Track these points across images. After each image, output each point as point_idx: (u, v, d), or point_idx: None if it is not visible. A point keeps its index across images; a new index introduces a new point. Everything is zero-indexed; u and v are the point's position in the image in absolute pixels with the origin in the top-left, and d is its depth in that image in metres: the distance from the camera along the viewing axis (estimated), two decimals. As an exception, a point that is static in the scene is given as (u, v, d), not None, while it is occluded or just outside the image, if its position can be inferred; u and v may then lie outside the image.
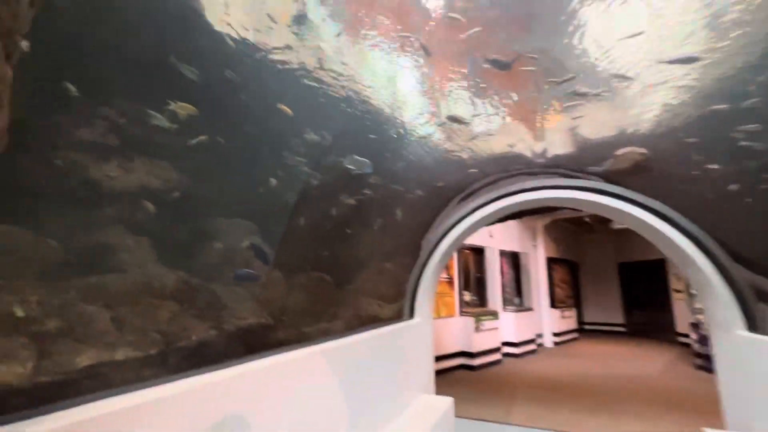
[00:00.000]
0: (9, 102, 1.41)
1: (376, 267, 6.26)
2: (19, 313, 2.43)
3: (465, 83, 5.65)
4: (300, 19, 5.11)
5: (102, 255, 3.20)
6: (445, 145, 5.80)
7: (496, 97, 6.03)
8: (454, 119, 5.04)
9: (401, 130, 5.44)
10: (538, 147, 6.54)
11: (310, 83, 5.13)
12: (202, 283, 3.68)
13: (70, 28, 3.15)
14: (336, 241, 5.23)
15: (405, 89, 5.59)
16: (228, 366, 3.23)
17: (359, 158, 4.38)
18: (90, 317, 2.77)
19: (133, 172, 3.41)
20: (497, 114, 6.02)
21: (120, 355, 2.72)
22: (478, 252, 14.87)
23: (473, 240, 13.89)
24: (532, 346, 15.04)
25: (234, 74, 3.94)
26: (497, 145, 6.02)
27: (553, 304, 16.92)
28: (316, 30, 5.32)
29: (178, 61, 3.34)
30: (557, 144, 6.38)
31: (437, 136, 5.70)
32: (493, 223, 11.85)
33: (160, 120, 3.24)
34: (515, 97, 5.97)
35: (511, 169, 6.33)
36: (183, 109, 3.25)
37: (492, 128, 6.02)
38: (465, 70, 5.52)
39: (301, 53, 5.30)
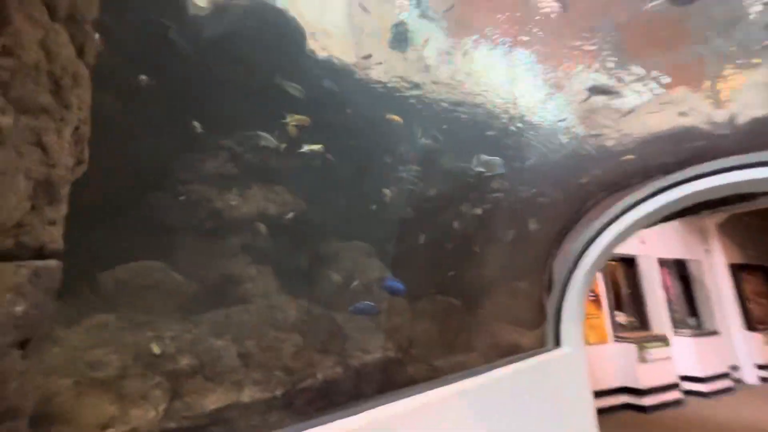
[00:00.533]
0: (88, 105, 1.20)
1: (509, 287, 5.31)
2: (156, 350, 2.39)
3: (601, 51, 4.51)
4: (400, 29, 4.82)
5: (229, 286, 3.17)
6: (585, 130, 4.68)
7: (646, 61, 4.70)
8: (599, 90, 3.96)
9: (525, 121, 4.57)
10: (721, 114, 4.84)
11: (415, 87, 4.71)
12: (324, 312, 3.40)
13: (192, 69, 3.33)
14: (461, 259, 4.53)
15: (523, 73, 4.74)
16: (356, 411, 2.77)
17: (488, 157, 3.66)
18: (219, 353, 2.65)
19: (252, 199, 3.38)
20: (653, 81, 4.66)
21: (246, 396, 2.51)
22: (628, 262, 12.22)
23: (619, 248, 11.45)
24: (726, 383, 11.40)
25: (337, 88, 3.75)
26: (660, 121, 4.62)
27: (750, 325, 12.74)
28: (418, 34, 4.95)
29: (283, 80, 3.25)
30: (755, 104, 4.62)
31: (573, 121, 4.63)
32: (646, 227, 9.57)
33: (268, 140, 3.14)
34: (679, 54, 4.55)
35: (684, 147, 4.78)
36: (297, 120, 3.11)
37: (647, 100, 4.66)
38: (599, 34, 4.41)
39: (402, 62, 4.97)
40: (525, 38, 4.58)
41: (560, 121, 4.49)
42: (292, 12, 3.94)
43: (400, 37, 4.94)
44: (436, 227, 4.09)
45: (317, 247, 3.79)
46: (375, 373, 3.28)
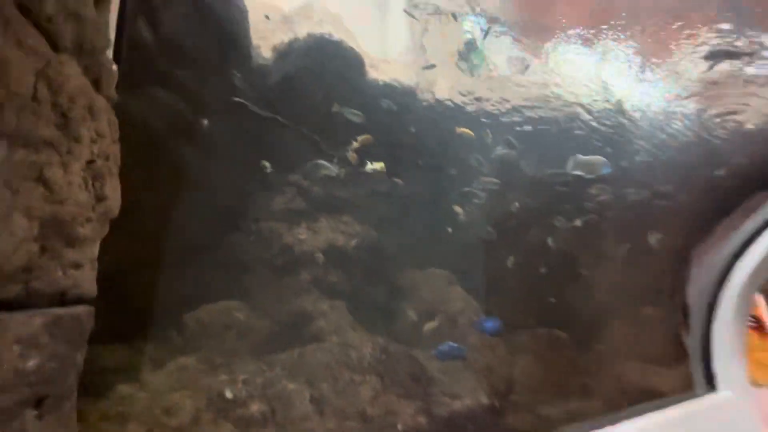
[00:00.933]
0: (110, 139, 1.15)
1: (631, 314, 4.33)
2: (228, 394, 2.32)
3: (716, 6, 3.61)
4: (468, 47, 4.61)
5: (302, 323, 3.05)
6: (711, 109, 3.71)
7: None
8: (722, 55, 3.08)
9: (624, 110, 3.83)
10: None
11: (485, 97, 4.34)
12: (403, 350, 3.05)
13: (268, 111, 3.49)
14: (563, 282, 3.83)
15: (613, 56, 4.05)
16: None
17: (587, 157, 2.99)
18: (291, 397, 2.48)
19: (320, 231, 3.30)
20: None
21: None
22: (799, 276, 9.40)
23: (783, 258, 8.87)
24: None
25: (398, 108, 3.58)
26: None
27: None
28: (487, 49, 4.67)
29: (342, 108, 3.19)
30: None
31: (690, 100, 3.72)
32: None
33: (328, 169, 3.06)
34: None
35: None
36: (361, 141, 3.02)
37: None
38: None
39: (470, 74, 4.69)
40: (609, 19, 3.96)
41: (673, 101, 3.65)
42: (350, 43, 4.00)
43: (470, 55, 4.71)
44: (525, 246, 3.53)
45: (392, 277, 3.54)
46: (467, 423, 2.77)
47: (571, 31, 4.20)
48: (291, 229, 3.21)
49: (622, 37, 3.84)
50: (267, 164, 3.37)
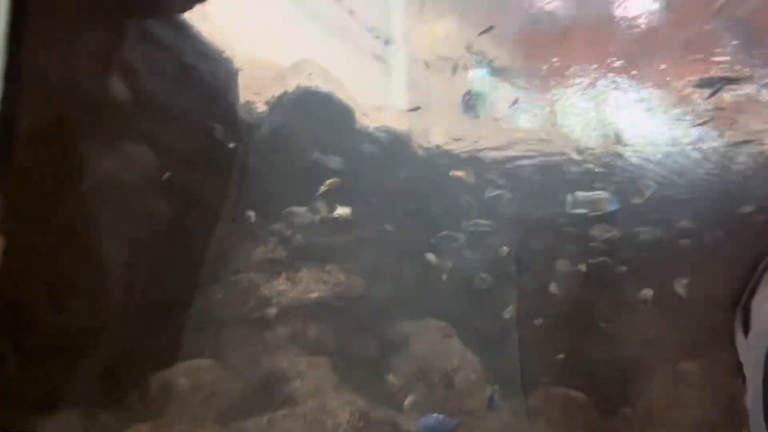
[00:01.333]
0: None
1: (666, 371, 3.75)
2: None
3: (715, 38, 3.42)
4: (469, 97, 4.66)
5: (275, 385, 2.78)
6: (728, 138, 3.38)
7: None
8: (712, 83, 2.82)
9: (626, 144, 3.58)
10: None
11: (478, 139, 4.24)
12: (386, 416, 2.70)
13: (254, 162, 3.54)
14: (577, 334, 3.40)
15: (609, 89, 3.89)
16: None
17: (588, 194, 2.69)
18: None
19: (300, 282, 3.14)
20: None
21: None
22: None
23: None
24: None
25: (389, 153, 3.51)
26: None
27: None
28: (487, 97, 4.68)
29: (321, 156, 3.14)
30: None
31: (702, 129, 3.43)
32: None
33: (302, 215, 2.97)
34: None
35: None
36: (329, 184, 2.94)
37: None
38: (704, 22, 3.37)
39: (466, 121, 4.66)
40: (603, 52, 3.87)
41: (681, 130, 3.37)
42: (340, 93, 4.08)
43: (470, 104, 4.74)
44: (525, 294, 3.20)
45: (381, 330, 3.27)
46: None
47: (565, 67, 4.12)
48: (270, 280, 3.08)
49: (620, 70, 3.71)
50: (252, 214, 3.33)
